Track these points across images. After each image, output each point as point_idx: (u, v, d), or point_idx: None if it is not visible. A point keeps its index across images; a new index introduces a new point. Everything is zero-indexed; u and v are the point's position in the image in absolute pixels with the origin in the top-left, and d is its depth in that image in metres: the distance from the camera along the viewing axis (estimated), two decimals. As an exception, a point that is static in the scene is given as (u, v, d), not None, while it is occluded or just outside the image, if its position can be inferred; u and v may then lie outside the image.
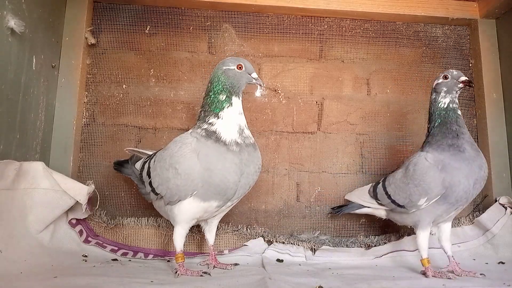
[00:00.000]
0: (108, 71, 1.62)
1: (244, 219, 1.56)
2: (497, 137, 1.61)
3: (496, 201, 1.49)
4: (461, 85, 1.24)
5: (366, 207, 1.40)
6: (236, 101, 1.16)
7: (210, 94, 1.16)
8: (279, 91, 1.65)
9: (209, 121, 1.13)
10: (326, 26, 1.71)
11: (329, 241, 1.47)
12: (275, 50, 1.69)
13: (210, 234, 1.27)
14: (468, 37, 1.75)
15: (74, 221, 1.34)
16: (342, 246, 1.45)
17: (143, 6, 1.65)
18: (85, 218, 1.37)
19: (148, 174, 1.21)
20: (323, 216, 1.60)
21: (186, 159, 1.09)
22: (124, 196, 1.56)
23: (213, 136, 1.10)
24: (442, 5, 1.69)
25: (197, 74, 1.65)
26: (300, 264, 1.33)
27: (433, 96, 1.29)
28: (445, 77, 1.26)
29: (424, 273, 1.20)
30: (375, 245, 1.45)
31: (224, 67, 1.17)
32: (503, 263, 1.32)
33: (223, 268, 1.22)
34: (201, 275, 1.10)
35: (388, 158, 1.65)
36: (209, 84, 1.18)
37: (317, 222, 1.59)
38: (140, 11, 1.66)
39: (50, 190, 1.22)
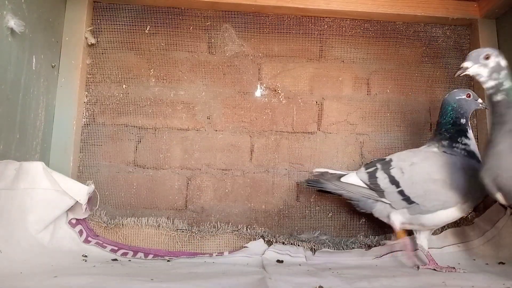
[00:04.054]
0: (108, 71, 1.62)
1: (244, 219, 1.56)
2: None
3: (496, 201, 1.49)
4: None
5: None
6: (469, 124, 1.36)
7: (451, 118, 1.35)
8: (279, 91, 1.65)
9: (463, 142, 1.31)
10: (326, 26, 1.71)
11: (329, 241, 1.46)
12: (275, 50, 1.69)
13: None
14: (468, 37, 1.75)
15: (74, 221, 1.34)
16: (342, 246, 1.45)
17: (143, 6, 1.65)
18: (85, 218, 1.37)
19: (395, 184, 1.31)
20: (323, 216, 1.60)
21: (458, 173, 1.25)
22: (124, 196, 1.56)
23: (474, 156, 1.29)
24: (442, 5, 1.68)
25: (197, 74, 1.65)
26: (300, 265, 1.33)
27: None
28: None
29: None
30: (375, 245, 1.46)
31: (457, 97, 1.37)
32: (503, 263, 1.32)
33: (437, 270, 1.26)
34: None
35: (388, 158, 1.65)
36: (444, 110, 1.38)
37: (317, 222, 1.59)
38: (140, 11, 1.66)
39: (50, 190, 1.22)
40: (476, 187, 1.20)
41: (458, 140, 1.32)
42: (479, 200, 1.30)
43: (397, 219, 1.32)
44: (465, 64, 1.09)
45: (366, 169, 1.38)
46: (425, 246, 1.33)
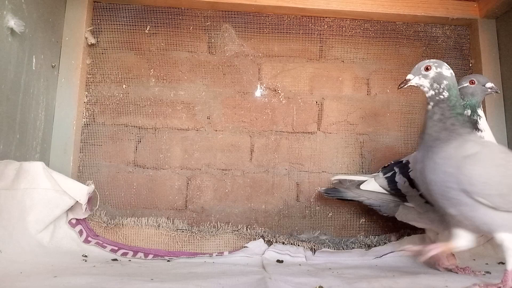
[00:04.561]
0: (108, 71, 1.62)
1: (244, 219, 1.56)
2: (497, 137, 1.60)
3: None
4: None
5: None
6: (480, 113, 1.27)
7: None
8: (279, 91, 1.65)
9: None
10: (326, 26, 1.71)
11: (329, 241, 1.46)
12: (275, 50, 1.69)
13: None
14: (468, 37, 1.75)
15: (74, 221, 1.34)
16: (342, 246, 1.45)
17: (143, 6, 1.65)
18: (85, 218, 1.37)
19: (416, 187, 1.26)
20: (323, 216, 1.60)
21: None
22: (124, 196, 1.56)
23: None
24: (442, 5, 1.69)
25: (197, 74, 1.65)
26: (300, 264, 1.33)
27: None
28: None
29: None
30: (375, 245, 1.46)
31: (459, 87, 1.26)
32: (503, 263, 1.32)
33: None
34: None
35: (388, 158, 1.65)
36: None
37: (317, 222, 1.59)
38: (140, 11, 1.66)
39: (50, 190, 1.22)
40: None
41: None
42: None
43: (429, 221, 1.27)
44: (408, 76, 1.12)
45: (384, 174, 1.35)
46: None
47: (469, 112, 1.27)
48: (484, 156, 0.96)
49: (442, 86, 1.07)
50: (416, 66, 1.12)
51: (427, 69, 1.10)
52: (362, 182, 1.38)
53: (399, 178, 1.31)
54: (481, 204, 0.95)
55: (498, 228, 0.98)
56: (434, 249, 1.03)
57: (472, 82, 1.27)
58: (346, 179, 1.42)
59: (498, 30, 1.69)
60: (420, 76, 1.10)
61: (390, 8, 1.66)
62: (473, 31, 1.73)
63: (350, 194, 1.40)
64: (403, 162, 1.35)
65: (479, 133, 1.24)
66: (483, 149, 0.98)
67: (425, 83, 1.10)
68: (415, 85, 1.12)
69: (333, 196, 1.46)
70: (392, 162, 1.40)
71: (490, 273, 1.18)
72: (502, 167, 0.96)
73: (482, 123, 1.26)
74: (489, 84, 1.28)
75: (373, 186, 1.35)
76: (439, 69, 1.09)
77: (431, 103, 1.08)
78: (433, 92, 1.08)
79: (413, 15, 1.68)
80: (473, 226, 1.02)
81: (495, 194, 0.94)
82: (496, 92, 1.29)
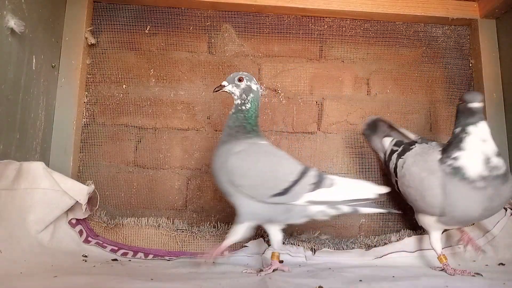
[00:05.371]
0: (108, 71, 1.62)
1: (244, 219, 1.56)
2: (497, 137, 1.60)
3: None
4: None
5: None
6: (470, 131, 1.15)
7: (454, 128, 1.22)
8: (279, 91, 1.65)
9: (453, 156, 1.15)
10: (326, 26, 1.71)
11: (329, 241, 1.46)
12: (275, 50, 1.69)
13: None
14: (468, 37, 1.75)
15: (74, 221, 1.35)
16: (342, 246, 1.44)
17: (143, 6, 1.65)
18: (85, 218, 1.37)
19: (395, 172, 1.35)
20: (323, 216, 1.59)
21: (432, 191, 1.18)
22: (124, 196, 1.56)
23: (458, 173, 1.13)
24: (442, 5, 1.69)
25: (197, 74, 1.65)
26: (300, 265, 1.33)
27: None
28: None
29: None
30: (375, 246, 1.45)
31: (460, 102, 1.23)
32: (503, 264, 1.32)
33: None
34: (473, 275, 1.16)
35: (388, 158, 1.65)
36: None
37: (317, 222, 1.58)
38: (140, 11, 1.66)
39: (50, 190, 1.22)
40: (452, 208, 1.15)
41: (449, 154, 1.16)
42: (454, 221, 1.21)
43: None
44: (223, 82, 1.24)
45: (394, 146, 1.40)
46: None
47: (459, 129, 1.17)
48: (245, 153, 1.13)
49: (248, 98, 1.21)
50: (232, 75, 1.23)
51: (240, 80, 1.22)
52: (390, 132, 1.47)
53: (394, 156, 1.36)
54: (242, 194, 1.10)
55: (250, 217, 1.13)
56: (216, 251, 1.15)
57: (461, 100, 1.19)
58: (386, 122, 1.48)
59: (498, 30, 1.69)
60: (233, 85, 1.22)
61: (390, 8, 1.66)
62: (473, 31, 1.73)
63: (375, 141, 1.50)
64: (411, 142, 1.36)
65: (458, 153, 1.15)
66: (249, 148, 1.14)
67: (236, 92, 1.22)
68: (228, 91, 1.23)
69: (367, 136, 1.53)
70: (418, 137, 1.39)
71: (482, 275, 1.17)
72: (259, 163, 1.13)
73: (468, 141, 1.14)
74: (470, 104, 1.16)
75: (387, 145, 1.44)
76: (249, 83, 1.22)
77: (233, 110, 1.22)
78: (239, 101, 1.21)
79: (413, 15, 1.68)
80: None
81: (250, 184, 1.10)
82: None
